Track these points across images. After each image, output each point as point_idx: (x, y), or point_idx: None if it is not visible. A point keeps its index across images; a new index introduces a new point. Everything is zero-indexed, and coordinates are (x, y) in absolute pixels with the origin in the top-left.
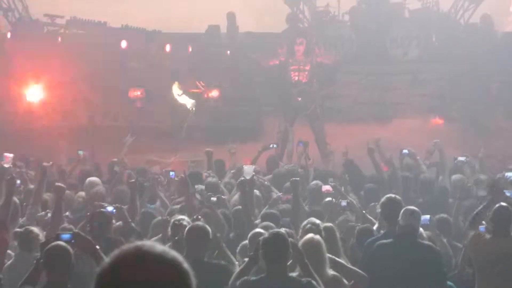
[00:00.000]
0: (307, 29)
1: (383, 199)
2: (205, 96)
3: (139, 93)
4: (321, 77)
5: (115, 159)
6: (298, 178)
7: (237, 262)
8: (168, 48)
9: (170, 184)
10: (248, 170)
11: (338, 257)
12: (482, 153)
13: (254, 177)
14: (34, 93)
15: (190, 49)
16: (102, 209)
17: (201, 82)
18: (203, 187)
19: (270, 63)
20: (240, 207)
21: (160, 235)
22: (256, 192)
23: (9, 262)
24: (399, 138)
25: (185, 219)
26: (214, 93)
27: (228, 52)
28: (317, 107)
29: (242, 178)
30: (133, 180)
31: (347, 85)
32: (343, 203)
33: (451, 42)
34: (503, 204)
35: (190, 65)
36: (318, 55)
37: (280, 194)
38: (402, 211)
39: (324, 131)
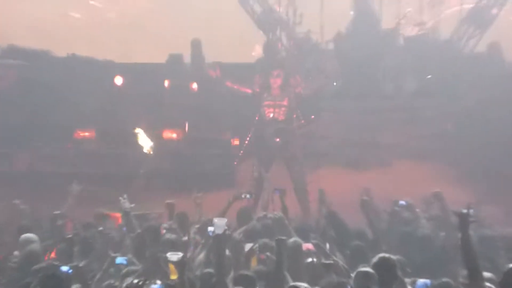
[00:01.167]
0: (284, 58)
1: (375, 259)
2: (166, 137)
3: (87, 134)
4: (302, 113)
5: (58, 212)
6: (283, 238)
7: None
8: (119, 80)
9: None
10: (220, 223)
11: None
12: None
13: (226, 232)
14: None
15: (148, 82)
16: (54, 272)
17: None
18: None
19: (241, 89)
20: (210, 270)
21: None
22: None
23: None
24: (394, 186)
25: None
26: (176, 134)
27: (194, 84)
28: (297, 149)
29: (218, 233)
30: (69, 236)
31: (332, 124)
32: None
33: (453, 74)
34: None
35: (148, 100)
36: (295, 85)
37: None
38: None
39: (305, 177)
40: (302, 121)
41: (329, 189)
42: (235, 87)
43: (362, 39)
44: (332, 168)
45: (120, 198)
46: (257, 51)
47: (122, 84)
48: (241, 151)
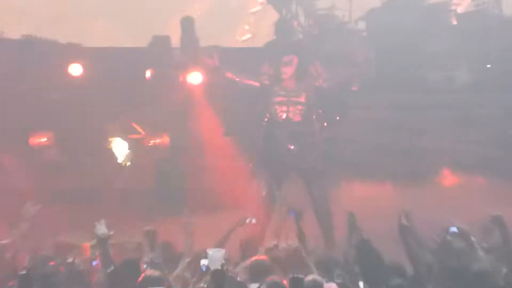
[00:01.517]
0: (300, 41)
1: None
2: (147, 144)
3: (45, 139)
4: (324, 112)
5: (6, 241)
6: (300, 276)
7: None
8: (77, 70)
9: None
10: (216, 256)
11: None
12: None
13: (225, 267)
14: None
15: (124, 72)
16: None
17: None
18: None
19: (246, 81)
20: None
21: None
22: None
23: None
24: (442, 206)
25: None
26: (161, 140)
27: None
28: (317, 159)
29: (213, 268)
30: (23, 273)
31: (363, 126)
32: None
33: None
34: None
35: (124, 95)
36: (316, 76)
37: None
38: None
39: (327, 195)
40: (324, 123)
41: (359, 210)
42: (237, 79)
43: (402, 16)
44: (362, 183)
45: (96, 223)
46: (247, 32)
47: (82, 74)
48: (250, 164)
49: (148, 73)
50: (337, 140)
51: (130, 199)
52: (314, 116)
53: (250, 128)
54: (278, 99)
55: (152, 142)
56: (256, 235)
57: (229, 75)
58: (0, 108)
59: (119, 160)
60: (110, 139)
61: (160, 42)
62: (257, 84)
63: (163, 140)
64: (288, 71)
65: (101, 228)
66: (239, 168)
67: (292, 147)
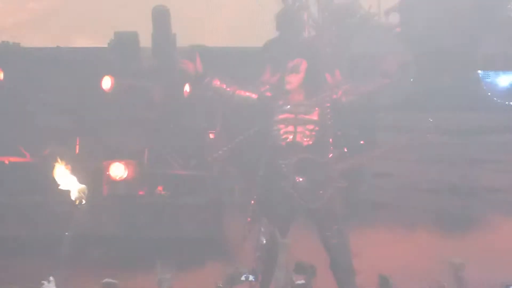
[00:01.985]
0: (311, 40)
1: None
2: (109, 174)
3: None
4: (343, 135)
5: None
6: None
7: None
8: None
9: None
10: None
11: None
12: None
13: None
14: None
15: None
16: None
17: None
18: None
19: (239, 92)
20: None
21: None
22: None
23: None
24: (503, 258)
25: None
26: (127, 169)
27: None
28: (334, 198)
29: None
30: None
31: (395, 154)
32: None
33: None
34: None
35: (73, 110)
36: (334, 88)
37: None
38: None
39: (348, 246)
40: (344, 149)
41: (392, 264)
42: (228, 89)
43: (447, 5)
44: (396, 230)
45: (44, 282)
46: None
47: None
48: (252, 201)
49: (106, 82)
50: (361, 173)
51: (86, 249)
52: (331, 140)
53: (244, 156)
54: (282, 116)
55: (114, 172)
56: None
57: (217, 83)
58: None
59: (72, 198)
60: (56, 170)
61: (124, 40)
62: (254, 96)
63: (130, 169)
64: (293, 80)
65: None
66: (230, 208)
67: (299, 179)
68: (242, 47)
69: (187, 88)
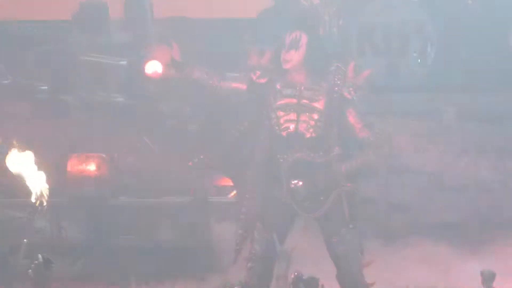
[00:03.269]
0: (312, 9)
1: None
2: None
3: None
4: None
5: None
6: None
7: None
8: None
9: None
10: None
11: None
12: None
13: None
14: None
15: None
16: None
17: None
18: None
19: (224, 83)
20: None
21: None
22: None
23: None
24: None
25: None
26: (97, 165)
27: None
28: (342, 201)
29: None
30: None
31: (411, 151)
32: None
33: None
34: None
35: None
36: (339, 74)
37: None
38: None
39: (358, 254)
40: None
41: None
42: (210, 81)
43: None
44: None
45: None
46: None
47: None
48: (242, 208)
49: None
50: (372, 172)
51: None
52: (335, 130)
53: (233, 156)
54: (282, 101)
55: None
56: None
57: (198, 74)
58: None
59: (32, 198)
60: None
61: (87, 12)
62: (243, 86)
63: (101, 166)
64: (293, 58)
65: None
66: (221, 209)
67: (299, 183)
68: (229, 18)
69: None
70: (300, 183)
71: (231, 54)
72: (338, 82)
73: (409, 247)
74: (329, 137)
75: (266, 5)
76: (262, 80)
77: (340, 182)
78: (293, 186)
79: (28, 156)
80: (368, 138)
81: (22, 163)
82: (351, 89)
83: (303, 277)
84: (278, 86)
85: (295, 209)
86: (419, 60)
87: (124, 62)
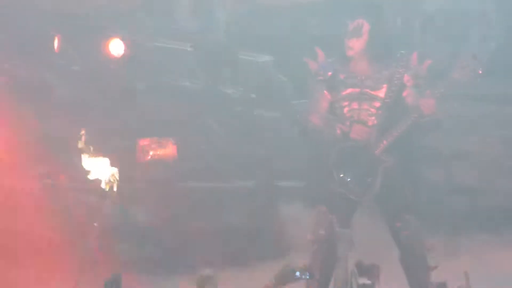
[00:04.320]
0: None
1: None
2: (143, 159)
3: None
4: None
5: None
6: None
7: None
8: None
9: None
10: None
11: None
12: None
13: None
14: None
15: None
16: None
17: None
18: None
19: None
20: None
21: None
22: None
23: None
24: None
25: None
26: (166, 150)
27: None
28: (403, 185)
29: None
30: None
31: (471, 135)
32: None
33: None
34: None
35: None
36: (404, 63)
37: None
38: None
39: (422, 237)
40: (413, 117)
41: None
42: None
43: None
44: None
45: None
46: None
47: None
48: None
49: (118, 46)
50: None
51: (116, 244)
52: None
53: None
54: (346, 91)
55: (154, 152)
56: None
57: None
58: None
59: (102, 184)
60: (82, 148)
61: None
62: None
63: (169, 151)
64: (356, 45)
65: None
66: (284, 192)
67: (344, 173)
68: (296, 3)
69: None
70: (346, 171)
71: (300, 39)
72: (401, 70)
73: (470, 232)
74: (395, 123)
75: None
76: (329, 74)
77: (382, 158)
78: (341, 177)
79: (103, 141)
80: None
81: (94, 148)
82: (411, 76)
83: (364, 264)
84: (341, 77)
85: (350, 199)
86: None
87: (190, 48)
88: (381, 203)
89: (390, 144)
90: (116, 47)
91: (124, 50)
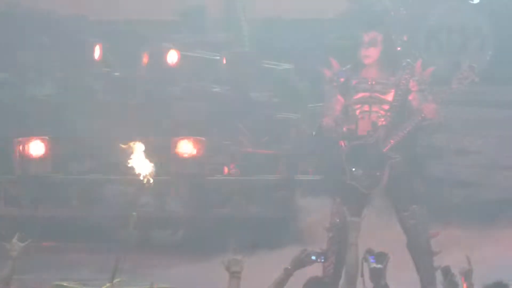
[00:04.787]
0: (388, 10)
1: None
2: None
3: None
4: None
5: None
6: None
7: None
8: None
9: None
10: None
11: None
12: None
13: None
14: None
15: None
16: None
17: None
18: None
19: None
20: None
21: None
22: None
23: None
24: None
25: None
26: (196, 146)
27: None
28: (410, 178)
29: None
30: None
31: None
32: None
33: None
34: None
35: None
36: (408, 69)
37: None
38: None
39: (427, 226)
40: (417, 118)
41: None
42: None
43: None
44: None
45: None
46: None
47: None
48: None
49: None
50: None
51: (154, 232)
52: (411, 125)
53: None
54: (357, 96)
55: (184, 150)
56: (324, 279)
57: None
58: None
59: (141, 177)
60: (129, 146)
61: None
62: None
63: (198, 147)
64: (372, 54)
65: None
66: (303, 186)
67: (355, 168)
68: (311, 19)
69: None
70: (357, 166)
71: (317, 51)
72: (406, 76)
73: (471, 221)
74: (403, 122)
75: (344, 7)
76: (342, 80)
77: (389, 155)
78: (353, 170)
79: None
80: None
81: (134, 144)
82: (416, 82)
83: (374, 252)
84: (354, 82)
85: (360, 191)
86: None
87: (218, 57)
88: (390, 194)
89: (397, 143)
90: (172, 56)
91: (178, 59)
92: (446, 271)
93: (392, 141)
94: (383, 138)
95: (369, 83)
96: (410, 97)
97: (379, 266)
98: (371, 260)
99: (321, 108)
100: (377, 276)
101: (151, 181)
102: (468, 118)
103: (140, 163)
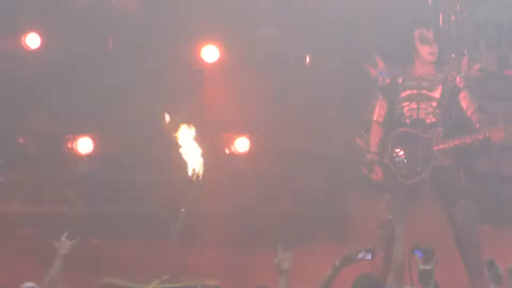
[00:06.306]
0: (437, 7)
1: None
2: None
3: (85, 141)
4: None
5: (32, 284)
6: None
7: None
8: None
9: None
10: None
11: None
12: None
13: None
14: None
15: None
16: None
17: None
18: None
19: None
20: None
21: None
22: None
23: None
24: None
25: None
26: (246, 142)
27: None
28: (459, 174)
29: None
30: None
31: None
32: None
33: None
34: None
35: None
36: (455, 66)
37: None
38: None
39: (475, 221)
40: (479, 136)
41: None
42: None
43: None
44: None
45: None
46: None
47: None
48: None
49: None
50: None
51: (200, 225)
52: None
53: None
54: (406, 93)
55: (235, 145)
56: (373, 275)
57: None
58: None
59: (189, 172)
60: (179, 137)
61: None
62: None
63: (252, 144)
64: (436, 51)
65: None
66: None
67: (400, 152)
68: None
69: None
70: (401, 152)
71: (362, 49)
72: (453, 73)
73: None
74: (450, 119)
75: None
76: (388, 81)
77: (437, 156)
78: (395, 154)
79: (191, 133)
80: (479, 120)
81: (187, 139)
82: (463, 78)
83: (421, 247)
84: (399, 80)
85: (393, 176)
86: None
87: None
88: (439, 190)
89: (450, 147)
90: (211, 53)
91: (218, 56)
92: (491, 265)
93: (446, 144)
94: (437, 136)
95: (416, 80)
96: (460, 97)
97: (428, 267)
98: (419, 255)
99: (366, 108)
100: (427, 278)
101: (200, 177)
102: None
103: (190, 158)
